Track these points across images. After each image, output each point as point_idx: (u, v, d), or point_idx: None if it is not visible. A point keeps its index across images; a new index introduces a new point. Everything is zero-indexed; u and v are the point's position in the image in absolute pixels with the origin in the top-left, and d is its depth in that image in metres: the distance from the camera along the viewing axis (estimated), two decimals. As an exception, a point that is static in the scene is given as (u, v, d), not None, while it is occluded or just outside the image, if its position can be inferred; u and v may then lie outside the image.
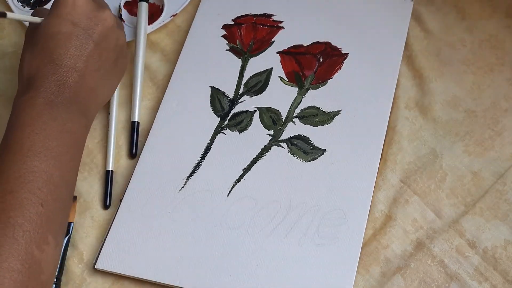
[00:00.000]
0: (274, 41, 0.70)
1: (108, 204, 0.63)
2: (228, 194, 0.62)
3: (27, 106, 0.56)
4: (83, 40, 0.58)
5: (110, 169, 0.65)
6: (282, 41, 0.70)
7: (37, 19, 0.60)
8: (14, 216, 0.50)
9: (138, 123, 0.67)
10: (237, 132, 0.65)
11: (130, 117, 0.68)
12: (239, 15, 0.72)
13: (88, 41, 0.59)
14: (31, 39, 0.60)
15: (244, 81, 0.68)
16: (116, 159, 0.66)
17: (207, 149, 0.65)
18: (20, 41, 0.74)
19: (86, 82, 0.58)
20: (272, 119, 0.66)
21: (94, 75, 0.59)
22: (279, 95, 0.67)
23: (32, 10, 0.74)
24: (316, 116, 0.65)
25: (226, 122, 0.66)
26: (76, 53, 0.58)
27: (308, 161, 0.63)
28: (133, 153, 0.66)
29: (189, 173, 0.63)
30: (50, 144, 0.54)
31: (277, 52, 0.69)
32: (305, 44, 0.69)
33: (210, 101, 0.67)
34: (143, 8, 0.71)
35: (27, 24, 0.68)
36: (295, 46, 0.69)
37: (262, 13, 0.72)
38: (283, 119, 0.66)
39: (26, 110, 0.55)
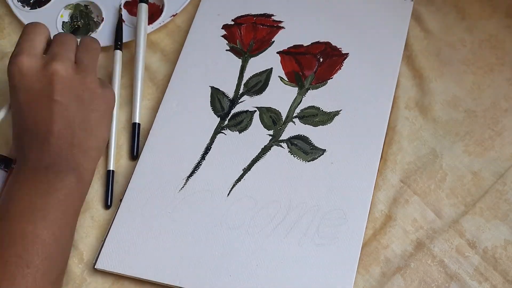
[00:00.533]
0: (274, 41, 0.70)
1: (109, 204, 0.63)
2: (228, 194, 0.62)
3: (16, 177, 0.56)
4: (44, 103, 0.57)
5: (111, 169, 0.65)
6: (282, 41, 0.70)
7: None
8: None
9: (139, 124, 0.67)
10: (237, 132, 0.65)
11: (130, 117, 0.68)
12: (239, 15, 0.72)
13: (49, 102, 0.57)
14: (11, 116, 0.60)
15: (244, 81, 0.68)
16: (116, 159, 0.66)
17: (207, 149, 0.65)
18: (20, 41, 0.74)
19: (63, 140, 0.57)
20: (272, 119, 0.66)
21: (71, 132, 0.58)
22: (279, 95, 0.67)
23: (31, 11, 0.74)
24: (316, 116, 0.65)
25: (226, 122, 0.66)
26: (42, 117, 0.57)
27: (308, 161, 0.63)
28: (134, 154, 0.65)
29: (189, 173, 0.63)
30: (36, 205, 0.54)
31: (277, 52, 0.69)
32: (305, 44, 0.69)
33: (210, 101, 0.67)
34: (143, 9, 0.71)
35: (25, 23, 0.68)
36: (295, 46, 0.69)
37: (262, 13, 0.72)
38: (283, 119, 0.66)
39: (15, 180, 0.56)
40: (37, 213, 0.54)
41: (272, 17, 0.71)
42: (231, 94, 0.67)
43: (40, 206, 0.54)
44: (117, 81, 0.68)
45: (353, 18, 0.70)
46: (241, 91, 0.67)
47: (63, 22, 0.73)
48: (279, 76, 0.68)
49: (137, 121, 0.67)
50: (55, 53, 0.59)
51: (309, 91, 0.67)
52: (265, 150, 0.64)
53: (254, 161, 0.63)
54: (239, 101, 0.67)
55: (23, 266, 0.51)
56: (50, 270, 0.53)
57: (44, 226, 0.53)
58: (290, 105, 0.66)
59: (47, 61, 0.58)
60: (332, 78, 0.67)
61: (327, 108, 0.66)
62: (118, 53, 0.69)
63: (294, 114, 0.66)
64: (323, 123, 0.65)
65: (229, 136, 0.65)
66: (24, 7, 0.74)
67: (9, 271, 0.51)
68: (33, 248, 0.52)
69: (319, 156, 0.63)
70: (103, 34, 0.72)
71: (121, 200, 0.63)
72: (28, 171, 0.56)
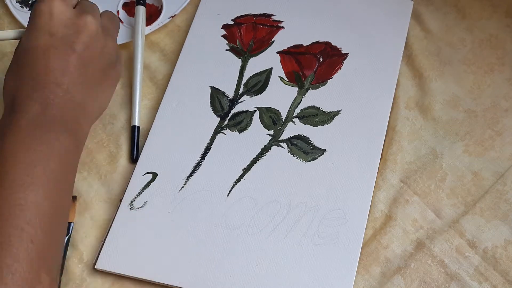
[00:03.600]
0: (274, 41, 0.70)
1: (135, 157, 0.64)
2: (228, 194, 0.62)
3: (9, 132, 0.51)
4: (63, 52, 0.54)
5: (136, 124, 0.66)
6: (282, 41, 0.70)
7: (8, 34, 0.57)
8: (1, 257, 0.46)
9: (138, 127, 0.67)
10: (237, 132, 0.65)
11: (130, 117, 0.68)
12: (239, 15, 0.72)
13: (68, 52, 0.54)
14: (14, 57, 0.56)
15: (244, 81, 0.68)
16: (116, 159, 0.66)
17: (207, 149, 0.65)
18: (19, 41, 0.73)
19: (72, 97, 0.54)
20: (272, 119, 0.66)
21: (80, 89, 0.55)
22: (279, 95, 0.67)
23: (30, 11, 0.74)
24: (316, 116, 0.65)
25: (226, 122, 0.66)
26: (56, 66, 0.53)
27: (308, 161, 0.63)
28: (134, 157, 0.65)
29: (189, 173, 0.63)
30: (37, 172, 0.49)
31: (277, 52, 0.69)
32: (305, 44, 0.69)
33: (210, 101, 0.67)
34: (140, 11, 0.71)
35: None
36: (295, 46, 0.69)
37: (262, 13, 0.72)
38: (283, 119, 0.65)
39: (8, 136, 0.51)
40: (36, 181, 0.49)
41: (272, 17, 0.71)
42: (231, 94, 0.67)
43: (39, 174, 0.49)
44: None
45: (353, 18, 0.70)
46: (241, 91, 0.67)
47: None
48: (279, 76, 0.68)
49: (136, 124, 0.67)
50: (87, 9, 0.57)
51: (309, 91, 0.67)
52: (265, 150, 0.64)
53: (254, 161, 0.63)
54: (239, 101, 0.67)
55: (26, 241, 0.47)
56: (51, 248, 0.50)
57: (45, 195, 0.49)
58: (290, 105, 0.66)
59: (79, 12, 0.56)
60: (332, 78, 0.67)
61: (327, 108, 0.66)
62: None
63: (294, 114, 0.66)
64: (323, 123, 0.65)
65: (229, 136, 0.65)
66: (23, 7, 0.74)
67: (10, 243, 0.46)
68: (36, 220, 0.48)
69: (319, 156, 0.63)
70: (103, 34, 0.72)
71: (121, 200, 0.63)
72: (26, 127, 0.51)
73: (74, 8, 0.58)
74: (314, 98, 0.66)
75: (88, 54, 0.56)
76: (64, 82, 0.54)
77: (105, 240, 0.61)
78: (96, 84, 0.57)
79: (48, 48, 0.54)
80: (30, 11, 0.74)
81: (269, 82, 0.68)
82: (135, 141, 0.66)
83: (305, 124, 0.65)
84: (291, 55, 0.69)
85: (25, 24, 0.72)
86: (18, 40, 0.58)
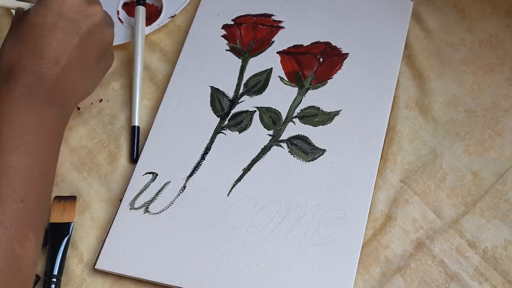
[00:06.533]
0: (274, 41, 0.70)
1: (135, 157, 0.65)
2: (228, 194, 0.62)
3: (5, 98, 0.54)
4: (68, 33, 0.57)
5: (136, 125, 0.67)
6: (282, 41, 0.70)
7: (25, 5, 0.59)
8: None
9: (138, 127, 0.67)
10: (237, 132, 0.65)
11: (130, 117, 0.68)
12: (239, 15, 0.72)
13: (73, 34, 0.57)
14: (15, 27, 0.58)
15: (244, 81, 0.68)
16: (116, 159, 0.66)
17: (207, 149, 0.65)
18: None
19: (66, 76, 0.57)
20: (272, 119, 0.66)
21: (75, 70, 0.58)
22: (279, 95, 0.67)
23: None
24: (316, 116, 0.65)
25: (226, 122, 0.66)
26: (59, 46, 0.56)
27: (308, 161, 0.63)
28: (134, 157, 0.65)
29: (189, 173, 0.63)
30: (29, 138, 0.53)
31: (277, 52, 0.69)
32: (305, 44, 0.69)
33: (210, 101, 0.67)
34: (140, 11, 0.71)
35: (13, 12, 0.68)
36: (295, 46, 0.69)
37: (262, 13, 0.72)
38: (283, 119, 0.65)
39: (4, 102, 0.54)
40: (28, 147, 0.52)
41: (272, 17, 0.71)
42: (231, 94, 0.67)
43: (30, 140, 0.53)
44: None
45: (353, 18, 0.70)
46: (241, 91, 0.67)
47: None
48: (279, 76, 0.68)
49: (136, 124, 0.67)
50: (96, 0, 0.60)
51: (309, 91, 0.67)
52: (265, 150, 0.64)
53: (254, 161, 0.63)
54: (239, 101, 0.67)
55: (17, 201, 0.50)
56: (39, 210, 0.53)
57: (35, 160, 0.52)
58: (290, 105, 0.66)
59: (89, 1, 0.59)
60: (332, 78, 0.67)
61: (327, 108, 0.66)
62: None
63: (294, 114, 0.66)
64: (323, 123, 0.65)
65: (229, 136, 0.65)
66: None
67: (3, 204, 0.49)
68: (27, 183, 0.51)
69: (319, 156, 0.63)
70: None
71: (121, 200, 0.63)
72: (21, 96, 0.54)
73: None
74: (314, 98, 0.66)
75: (89, 40, 0.59)
76: (63, 61, 0.57)
77: (105, 240, 0.61)
78: (89, 69, 0.60)
79: (55, 27, 0.56)
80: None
81: (269, 82, 0.68)
82: (135, 141, 0.66)
83: (305, 124, 0.65)
84: (291, 55, 0.69)
85: (13, 12, 0.72)
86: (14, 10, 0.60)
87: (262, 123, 0.66)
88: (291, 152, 0.64)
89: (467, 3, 0.71)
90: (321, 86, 0.67)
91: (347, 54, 0.68)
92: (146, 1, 0.73)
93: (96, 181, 0.65)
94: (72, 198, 0.63)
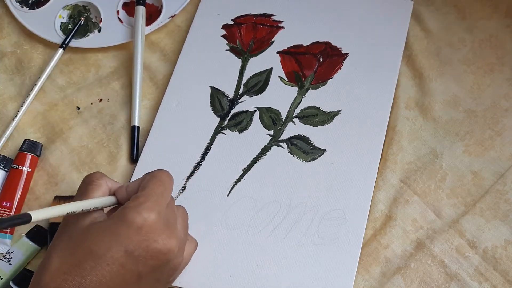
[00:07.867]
0: (274, 41, 0.70)
1: (135, 157, 0.65)
2: (228, 194, 0.62)
3: None
4: (126, 272, 0.49)
5: (136, 125, 0.66)
6: (282, 41, 0.70)
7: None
8: None
9: (138, 127, 0.67)
10: (237, 132, 0.65)
11: (130, 117, 0.68)
12: (239, 15, 0.72)
13: (131, 275, 0.49)
14: (68, 240, 0.51)
15: (244, 81, 0.68)
16: (116, 159, 0.66)
17: (207, 149, 0.65)
18: (19, 41, 0.73)
19: None
20: (272, 119, 0.66)
21: None
22: (279, 95, 0.67)
23: (29, 11, 0.74)
24: (316, 116, 0.65)
25: (226, 122, 0.66)
26: (110, 284, 0.49)
27: (308, 161, 0.63)
28: (134, 157, 0.65)
29: (189, 173, 0.63)
30: None
31: (277, 52, 0.69)
32: (305, 44, 0.69)
33: (210, 101, 0.67)
34: (140, 11, 0.71)
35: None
36: (295, 46, 0.69)
37: (262, 13, 0.72)
38: (283, 119, 0.65)
39: None
40: None
41: (272, 17, 0.71)
42: (231, 94, 0.67)
43: None
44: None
45: (353, 18, 0.70)
46: (241, 91, 0.67)
47: (61, 22, 0.73)
48: (279, 76, 0.68)
49: (136, 124, 0.67)
50: (172, 227, 0.52)
51: (309, 91, 0.67)
52: (265, 150, 0.64)
53: (254, 161, 0.63)
54: (239, 101, 0.67)
55: None
56: None
57: None
58: (290, 105, 0.66)
59: (166, 235, 0.50)
60: (332, 78, 0.67)
61: (327, 108, 0.66)
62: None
63: (294, 114, 0.66)
64: (323, 123, 0.65)
65: (229, 136, 0.65)
66: (23, 7, 0.74)
67: None
68: None
69: (319, 156, 0.63)
70: (101, 35, 0.72)
71: (121, 200, 0.63)
72: None
73: (164, 214, 0.52)
74: (314, 98, 0.66)
75: (148, 277, 0.51)
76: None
77: (105, 240, 0.61)
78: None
79: (114, 263, 0.49)
80: (30, 10, 0.74)
81: (269, 82, 0.68)
82: (135, 141, 0.66)
83: (305, 124, 0.65)
84: (291, 55, 0.69)
85: (25, 23, 0.73)
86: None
87: (262, 123, 0.65)
88: (291, 152, 0.64)
89: (467, 3, 0.71)
90: (321, 86, 0.67)
91: (347, 54, 0.68)
92: (146, 1, 0.73)
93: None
94: (72, 198, 0.63)
